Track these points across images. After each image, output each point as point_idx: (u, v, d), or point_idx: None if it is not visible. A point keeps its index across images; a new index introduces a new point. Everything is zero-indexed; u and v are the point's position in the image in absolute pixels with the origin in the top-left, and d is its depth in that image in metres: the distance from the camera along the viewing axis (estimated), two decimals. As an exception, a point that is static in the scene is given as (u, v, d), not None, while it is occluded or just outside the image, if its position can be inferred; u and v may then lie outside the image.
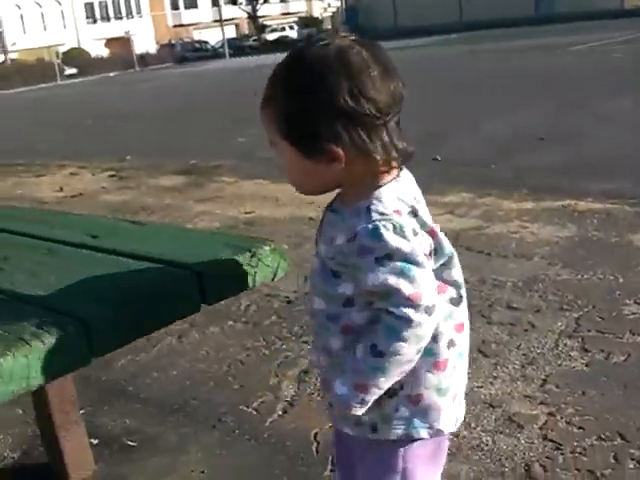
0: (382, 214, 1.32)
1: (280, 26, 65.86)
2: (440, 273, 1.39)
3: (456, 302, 1.46)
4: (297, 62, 1.35)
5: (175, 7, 72.79)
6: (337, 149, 1.31)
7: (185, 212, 5.81)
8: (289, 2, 79.29)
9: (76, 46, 59.60)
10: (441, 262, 1.40)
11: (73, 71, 47.04)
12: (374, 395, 1.37)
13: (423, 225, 1.35)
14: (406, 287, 1.30)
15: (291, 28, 64.98)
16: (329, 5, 73.90)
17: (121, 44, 56.77)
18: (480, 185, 5.77)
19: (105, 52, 58.59)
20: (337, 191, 1.43)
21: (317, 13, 77.86)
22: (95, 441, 2.57)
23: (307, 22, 69.03)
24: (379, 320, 1.33)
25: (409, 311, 1.30)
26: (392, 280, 1.30)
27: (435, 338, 1.38)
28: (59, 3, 62.90)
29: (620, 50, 15.75)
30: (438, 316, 1.34)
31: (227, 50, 49.53)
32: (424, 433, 1.44)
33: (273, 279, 1.96)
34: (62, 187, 7.49)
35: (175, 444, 2.56)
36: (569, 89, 10.62)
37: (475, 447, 2.38)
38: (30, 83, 39.21)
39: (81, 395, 2.45)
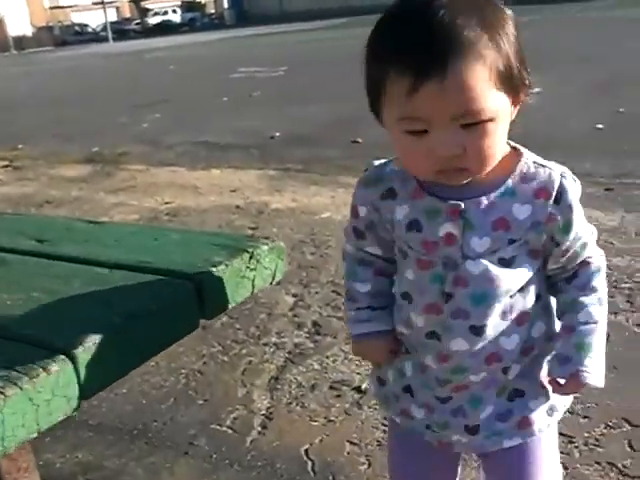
0: (556, 165, 1.24)
1: (163, 10, 64.23)
2: None
3: None
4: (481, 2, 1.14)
5: (51, -12, 69.87)
6: (530, 82, 1.18)
7: (97, 204, 5.35)
8: (170, -14, 77.52)
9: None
10: None
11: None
12: None
13: None
14: (590, 227, 1.28)
15: (174, 12, 63.53)
16: (212, -11, 72.75)
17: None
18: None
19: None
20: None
21: (200, -3, 76.46)
22: None
23: (190, 6, 67.72)
24: (576, 274, 1.28)
25: (597, 247, 1.30)
26: (585, 223, 1.26)
27: None
28: None
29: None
30: None
31: (110, 34, 47.91)
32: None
33: (271, 283, 1.67)
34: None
35: (144, 479, 2.22)
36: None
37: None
38: None
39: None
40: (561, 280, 1.29)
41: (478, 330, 1.24)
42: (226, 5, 58.93)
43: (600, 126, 6.29)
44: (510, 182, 1.20)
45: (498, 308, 1.23)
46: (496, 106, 1.10)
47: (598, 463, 2.07)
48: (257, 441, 2.30)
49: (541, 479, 1.37)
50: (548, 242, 1.23)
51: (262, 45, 22.56)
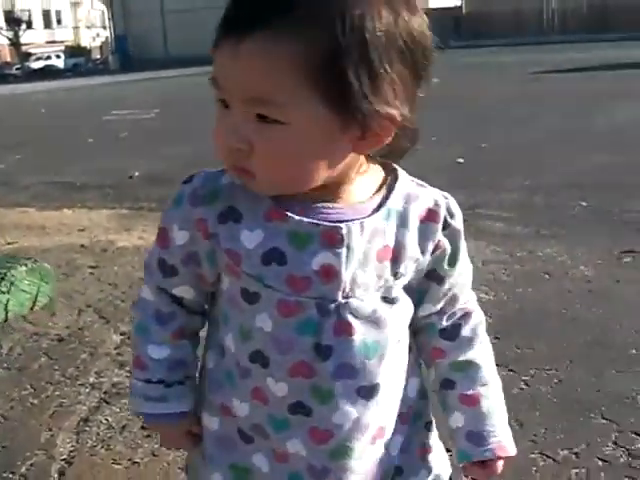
0: (420, 182, 1.04)
1: (45, 54, 62.85)
2: None
3: None
4: None
5: None
6: (395, 113, 0.88)
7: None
8: (55, 30, 76.05)
9: None
10: None
11: None
12: None
13: None
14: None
15: (57, 57, 62.27)
16: (98, 35, 71.93)
17: None
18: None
19: None
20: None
21: (85, 42, 75.37)
22: None
23: (75, 51, 66.63)
24: (461, 331, 1.07)
25: (472, 292, 1.11)
26: (468, 261, 1.07)
27: None
28: None
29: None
30: None
31: (-13, 78, 46.44)
32: None
33: (32, 308, 1.55)
34: None
35: None
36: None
37: None
38: None
39: None
40: (439, 336, 1.07)
41: (369, 391, 0.99)
42: (111, 50, 58.35)
43: (461, 160, 6.49)
44: (393, 203, 0.98)
45: (387, 361, 0.99)
46: (298, 110, 0.85)
47: None
48: (51, 488, 2.15)
49: None
50: (424, 279, 1.02)
51: (140, 89, 22.31)
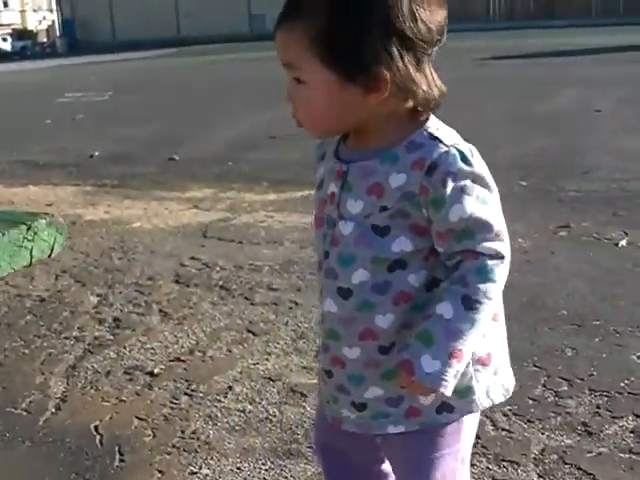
0: (453, 140, 1.18)
1: (-8, 37, 61.56)
2: None
3: None
4: None
5: None
6: (385, 74, 1.14)
7: None
8: (1, 13, 74.44)
9: None
10: None
11: None
12: (466, 361, 1.19)
13: None
14: (494, 218, 1.17)
15: (4, 40, 61.01)
16: (44, 18, 70.58)
17: None
18: (220, 181, 5.81)
19: None
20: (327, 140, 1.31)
21: (32, 25, 73.92)
22: None
23: (21, 34, 65.34)
24: (458, 266, 1.16)
25: (499, 245, 1.17)
26: (480, 211, 1.15)
27: None
28: None
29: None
30: None
31: None
32: (499, 397, 1.28)
33: (50, 255, 1.82)
34: None
35: None
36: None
37: (264, 420, 2.37)
38: None
39: None
40: (449, 272, 1.20)
41: (345, 293, 1.22)
42: (58, 33, 57.48)
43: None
44: (396, 150, 1.19)
45: (365, 275, 1.20)
46: (309, 72, 1.17)
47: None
48: (50, 420, 2.43)
49: (429, 477, 1.28)
50: (429, 219, 1.18)
51: (90, 72, 22.20)
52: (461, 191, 1.14)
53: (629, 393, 2.43)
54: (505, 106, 8.79)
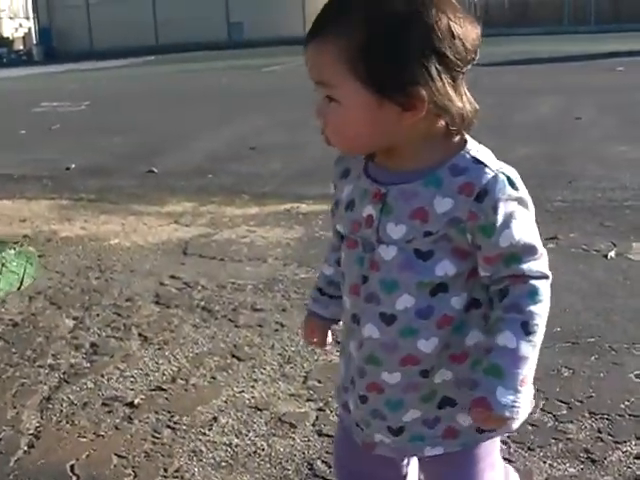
0: (497, 163, 1.18)
1: (-32, 44, 60.93)
2: None
3: None
4: None
5: None
6: (423, 92, 1.11)
7: None
8: (-23, 20, 73.79)
9: None
10: None
11: None
12: (531, 382, 1.20)
13: None
14: (537, 240, 1.19)
15: (-21, 47, 60.53)
16: (21, 25, 69.99)
17: None
18: (201, 194, 5.67)
19: None
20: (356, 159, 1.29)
21: (8, 33, 73.26)
22: None
23: (-4, 42, 64.80)
24: (507, 292, 1.17)
25: (542, 266, 1.19)
26: (527, 234, 1.17)
27: None
28: None
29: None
30: None
31: None
32: (528, 410, 1.24)
33: (19, 287, 1.69)
34: None
35: None
36: (275, 104, 10.88)
37: (252, 454, 2.24)
38: None
39: None
40: (494, 295, 1.21)
41: (388, 319, 1.21)
42: (34, 41, 57.02)
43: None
44: (439, 173, 1.17)
45: (410, 301, 1.19)
46: (344, 90, 1.13)
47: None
48: (22, 460, 2.28)
49: None
50: (474, 244, 1.18)
51: (67, 81, 21.97)
52: (511, 217, 1.15)
53: (630, 415, 2.34)
54: (485, 114, 8.71)
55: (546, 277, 1.20)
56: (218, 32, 31.62)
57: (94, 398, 2.61)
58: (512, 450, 2.17)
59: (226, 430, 2.37)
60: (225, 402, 2.55)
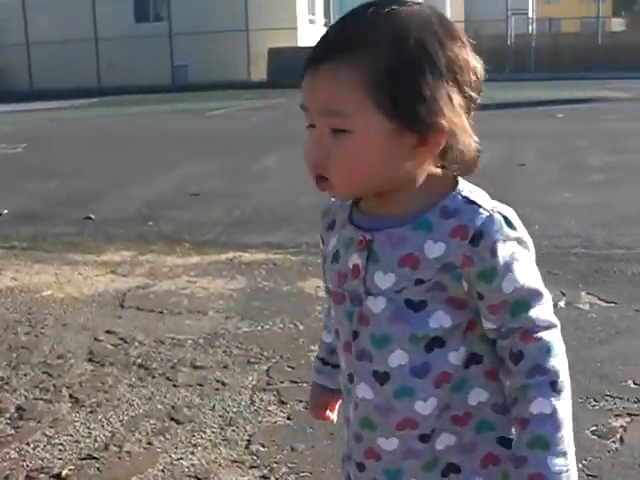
0: (492, 203, 1.09)
1: None
2: None
3: None
4: (399, 13, 1.05)
5: None
6: (444, 124, 1.04)
7: None
8: None
9: None
10: None
11: None
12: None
13: None
14: (540, 283, 1.10)
15: None
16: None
17: None
18: (140, 242, 5.48)
19: None
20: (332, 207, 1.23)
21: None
22: None
23: None
24: (520, 352, 1.07)
25: (549, 313, 1.11)
26: (530, 277, 1.07)
27: None
28: None
29: (254, 115, 16.45)
30: None
31: None
32: (575, 469, 1.17)
33: None
34: None
35: None
36: (218, 149, 10.75)
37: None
38: None
39: None
40: (505, 356, 1.10)
41: (381, 377, 1.12)
42: (-30, 82, 56.31)
43: (333, 199, 6.58)
44: (429, 215, 1.09)
45: (404, 357, 1.09)
46: (359, 119, 1.04)
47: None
48: None
49: None
50: (473, 294, 1.09)
51: (4, 122, 21.63)
52: (512, 258, 1.06)
53: (588, 475, 2.25)
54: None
55: (555, 326, 1.11)
56: (162, 75, 31.54)
57: (18, 469, 2.40)
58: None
59: (163, 504, 2.20)
60: (162, 471, 2.38)
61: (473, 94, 1.08)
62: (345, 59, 1.04)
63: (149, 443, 2.55)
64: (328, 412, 1.40)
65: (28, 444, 2.56)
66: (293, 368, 3.10)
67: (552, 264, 4.39)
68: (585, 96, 17.03)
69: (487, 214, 1.07)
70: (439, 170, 1.12)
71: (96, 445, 2.54)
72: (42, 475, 2.37)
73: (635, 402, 2.73)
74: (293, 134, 11.36)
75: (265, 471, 2.34)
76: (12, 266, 4.92)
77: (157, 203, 6.93)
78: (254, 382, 2.99)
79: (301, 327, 3.57)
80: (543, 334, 1.09)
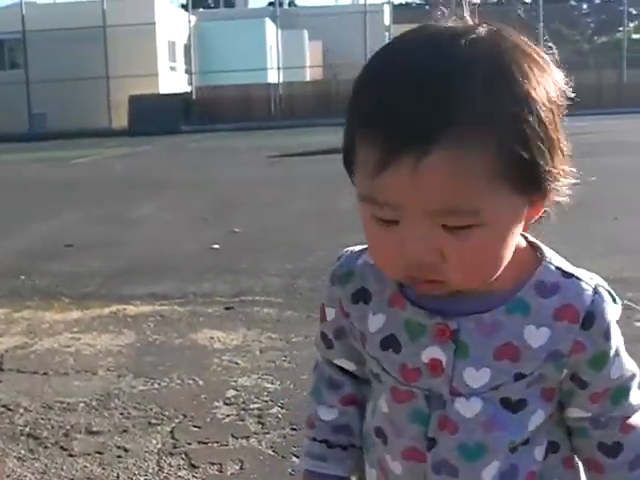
0: (587, 274, 0.93)
1: None
2: None
3: None
4: (495, 47, 0.83)
5: None
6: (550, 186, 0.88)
7: None
8: None
9: None
10: None
11: None
12: None
13: None
14: (635, 365, 0.97)
15: None
16: None
17: None
18: (13, 298, 5.14)
19: None
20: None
21: None
22: None
23: None
24: (619, 442, 0.95)
25: None
26: (629, 360, 0.95)
27: None
28: None
29: (118, 162, 16.07)
30: None
31: None
32: None
33: None
34: None
35: None
36: (87, 198, 10.36)
37: None
38: None
39: None
40: (596, 448, 0.97)
41: None
42: None
43: (216, 246, 6.44)
44: (523, 294, 0.91)
45: (495, 467, 0.93)
46: (495, 209, 0.82)
47: None
48: None
49: None
50: (568, 380, 0.93)
51: None
52: (620, 341, 0.94)
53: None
54: (308, 203, 8.74)
55: None
56: (18, 123, 30.47)
57: None
58: None
59: None
60: None
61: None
62: (467, 139, 0.79)
63: (48, 523, 2.31)
64: None
65: None
66: (199, 427, 2.92)
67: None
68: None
69: (590, 290, 0.92)
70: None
71: (-12, 530, 2.29)
72: None
73: None
74: (160, 182, 11.21)
75: None
76: None
77: (29, 255, 6.56)
78: (159, 445, 2.78)
79: (200, 382, 3.39)
80: (638, 419, 0.98)
